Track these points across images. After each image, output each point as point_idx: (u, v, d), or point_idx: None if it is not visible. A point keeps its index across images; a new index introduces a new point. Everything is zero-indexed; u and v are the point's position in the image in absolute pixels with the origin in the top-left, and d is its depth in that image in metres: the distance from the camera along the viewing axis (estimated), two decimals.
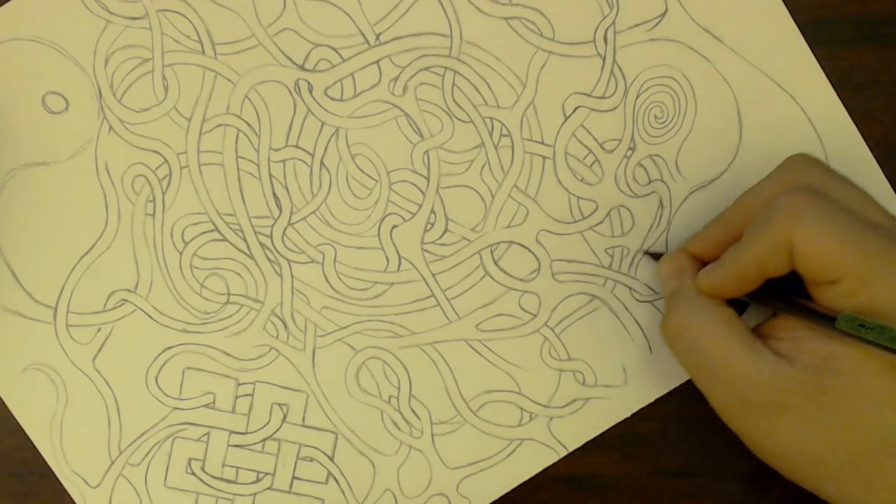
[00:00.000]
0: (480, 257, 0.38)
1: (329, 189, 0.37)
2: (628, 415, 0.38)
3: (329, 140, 0.37)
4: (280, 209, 0.37)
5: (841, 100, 0.39)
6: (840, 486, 0.32)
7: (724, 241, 0.35)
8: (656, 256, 0.38)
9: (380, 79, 0.37)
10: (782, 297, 0.33)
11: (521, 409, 0.38)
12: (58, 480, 0.37)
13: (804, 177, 0.33)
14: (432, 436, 0.38)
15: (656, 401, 0.38)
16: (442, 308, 0.38)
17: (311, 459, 0.38)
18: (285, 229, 0.37)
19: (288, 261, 0.37)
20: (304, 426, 0.38)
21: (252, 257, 0.37)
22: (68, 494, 0.37)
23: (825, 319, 0.31)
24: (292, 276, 0.37)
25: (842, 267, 0.30)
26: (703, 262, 0.36)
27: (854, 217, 0.31)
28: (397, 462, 0.38)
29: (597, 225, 0.38)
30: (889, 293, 0.30)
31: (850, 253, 0.30)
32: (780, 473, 0.33)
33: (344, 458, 0.38)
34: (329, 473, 0.38)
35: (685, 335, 0.33)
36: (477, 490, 0.38)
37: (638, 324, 0.38)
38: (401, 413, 0.38)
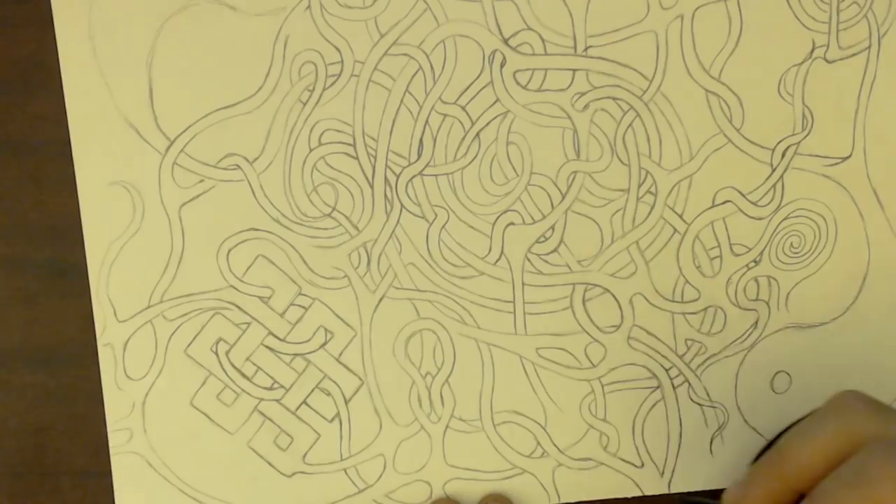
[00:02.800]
0: (573, 290, 0.38)
1: (471, 161, 0.37)
2: (629, 496, 0.38)
3: (495, 118, 0.37)
4: (419, 156, 0.37)
5: None
6: None
7: (779, 497, 0.31)
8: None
9: (569, 86, 0.37)
10: None
11: (538, 443, 0.38)
12: (57, 481, 0.37)
13: (864, 424, 0.30)
14: (447, 427, 0.38)
15: None
16: (515, 317, 0.38)
17: (328, 394, 0.37)
18: (414, 177, 0.37)
19: (402, 206, 0.37)
20: (337, 360, 0.37)
21: (372, 186, 0.37)
22: (68, 494, 0.37)
23: None
24: (398, 222, 0.37)
25: None
26: None
27: None
28: (403, 435, 0.38)
29: (690, 314, 0.38)
30: None
31: None
32: None
33: (358, 407, 0.38)
34: (337, 414, 0.37)
35: None
36: (461, 494, 0.38)
37: (680, 419, 0.38)
38: (429, 392, 0.38)
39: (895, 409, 0.31)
